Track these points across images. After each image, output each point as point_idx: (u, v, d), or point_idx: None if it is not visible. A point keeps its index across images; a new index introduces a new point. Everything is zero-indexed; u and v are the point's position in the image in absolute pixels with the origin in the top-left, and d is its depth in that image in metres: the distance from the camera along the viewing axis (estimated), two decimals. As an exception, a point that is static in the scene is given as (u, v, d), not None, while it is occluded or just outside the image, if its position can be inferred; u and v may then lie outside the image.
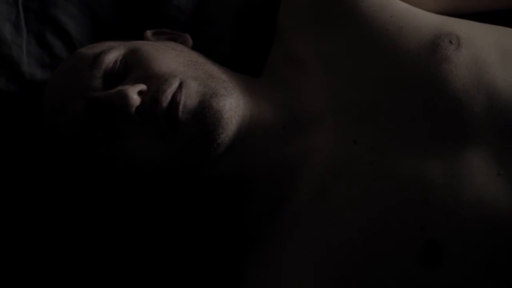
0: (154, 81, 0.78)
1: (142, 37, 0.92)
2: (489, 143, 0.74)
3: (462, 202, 0.72)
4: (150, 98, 0.77)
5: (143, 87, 0.78)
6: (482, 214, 0.72)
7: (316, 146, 0.80)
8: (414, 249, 0.72)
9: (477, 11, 0.90)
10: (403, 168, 0.75)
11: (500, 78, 0.76)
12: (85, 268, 0.91)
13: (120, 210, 0.92)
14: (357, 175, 0.77)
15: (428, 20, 0.82)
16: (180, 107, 0.76)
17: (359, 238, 0.74)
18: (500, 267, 0.71)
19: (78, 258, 0.92)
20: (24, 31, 0.96)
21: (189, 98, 0.77)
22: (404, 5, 0.85)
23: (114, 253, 0.92)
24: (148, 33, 0.92)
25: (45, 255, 0.92)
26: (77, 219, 0.92)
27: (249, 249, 0.82)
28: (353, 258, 0.74)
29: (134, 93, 0.76)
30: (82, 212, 0.92)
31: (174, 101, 0.76)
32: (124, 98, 0.76)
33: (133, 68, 0.81)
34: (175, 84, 0.78)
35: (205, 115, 0.77)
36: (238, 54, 0.97)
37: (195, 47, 0.92)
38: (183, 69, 0.81)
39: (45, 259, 0.92)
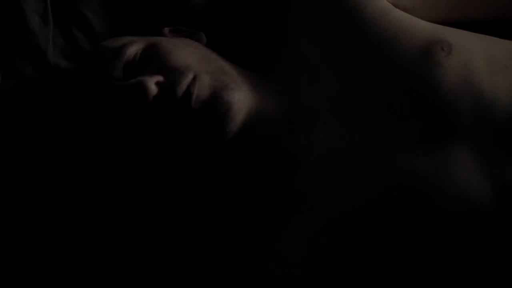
0: (171, 73, 0.84)
1: (160, 34, 0.97)
2: (474, 142, 0.79)
3: (448, 195, 0.77)
4: (167, 88, 0.82)
5: (160, 78, 0.83)
6: (466, 207, 0.77)
7: (317, 139, 0.85)
8: (401, 238, 0.77)
9: (468, 21, 0.94)
10: (395, 162, 0.80)
11: (486, 82, 0.81)
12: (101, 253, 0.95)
13: (132, 198, 0.96)
14: (352, 167, 0.81)
15: (423, 28, 0.87)
16: (194, 97, 0.82)
17: (351, 225, 0.79)
18: (483, 257, 0.76)
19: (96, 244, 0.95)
20: (51, 24, 1.01)
21: (202, 90, 0.83)
22: (402, 13, 0.90)
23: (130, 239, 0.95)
24: (166, 30, 0.98)
25: (53, 251, 0.95)
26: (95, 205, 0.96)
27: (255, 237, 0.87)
28: (345, 243, 0.79)
29: (152, 83, 0.82)
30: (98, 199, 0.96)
31: (188, 92, 0.82)
32: (142, 87, 0.82)
33: (151, 61, 0.86)
34: (189, 77, 0.83)
35: (216, 105, 0.83)
36: (248, 52, 1.01)
37: (209, 45, 0.96)
38: (197, 64, 0.86)
39: (53, 255, 0.94)
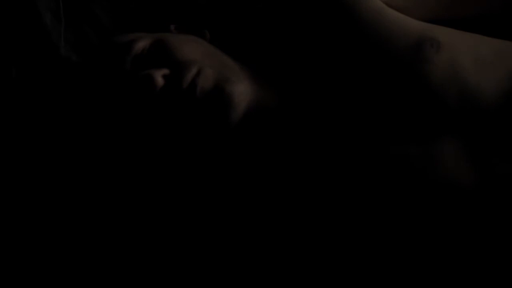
0: (177, 67, 0.87)
1: (167, 30, 1.00)
2: (461, 132, 0.83)
3: (434, 181, 0.82)
4: (173, 80, 0.86)
5: (166, 71, 0.87)
6: (451, 192, 0.81)
7: (314, 130, 0.89)
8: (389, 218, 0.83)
9: (457, 19, 0.98)
10: (387, 151, 0.84)
11: (473, 78, 0.85)
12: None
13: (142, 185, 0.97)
14: (346, 155, 0.86)
15: (414, 26, 0.90)
16: (198, 89, 0.86)
17: (345, 209, 0.84)
18: (463, 234, 0.81)
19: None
20: (63, 20, 1.04)
21: (206, 83, 0.87)
22: (395, 12, 0.93)
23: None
24: (172, 27, 1.01)
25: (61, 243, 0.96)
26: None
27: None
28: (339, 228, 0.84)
29: (158, 76, 0.86)
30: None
31: (193, 84, 0.86)
32: (150, 80, 0.86)
33: (158, 55, 0.90)
34: (194, 71, 0.87)
35: (219, 96, 0.87)
36: (249, 48, 1.03)
37: (212, 41, 1.00)
38: (201, 58, 0.90)
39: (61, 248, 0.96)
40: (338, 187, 0.85)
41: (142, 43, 0.92)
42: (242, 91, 0.89)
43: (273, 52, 1.02)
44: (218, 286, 0.94)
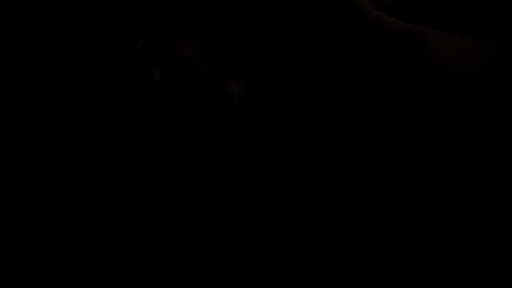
0: (174, 65, 0.92)
1: (166, 30, 1.01)
2: (445, 126, 0.87)
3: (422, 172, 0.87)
4: (170, 78, 0.91)
5: (164, 69, 0.92)
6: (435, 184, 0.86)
7: (308, 124, 0.93)
8: None
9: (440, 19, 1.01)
10: (380, 145, 0.88)
11: (454, 75, 0.88)
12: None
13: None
14: (342, 149, 0.90)
15: (398, 26, 0.93)
16: (194, 85, 0.90)
17: None
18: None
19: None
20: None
21: (202, 80, 0.91)
22: (380, 13, 0.95)
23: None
24: (171, 27, 1.05)
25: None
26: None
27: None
28: None
29: (156, 74, 0.91)
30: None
31: (189, 81, 0.91)
32: (148, 78, 0.91)
33: (157, 54, 0.95)
34: (190, 68, 0.92)
35: (215, 93, 0.91)
36: (244, 46, 1.03)
37: (210, 39, 1.00)
38: (198, 57, 0.94)
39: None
40: (333, 179, 0.89)
41: (141, 42, 0.96)
42: (238, 88, 0.93)
43: (272, 51, 1.03)
44: (218, 285, 0.95)
